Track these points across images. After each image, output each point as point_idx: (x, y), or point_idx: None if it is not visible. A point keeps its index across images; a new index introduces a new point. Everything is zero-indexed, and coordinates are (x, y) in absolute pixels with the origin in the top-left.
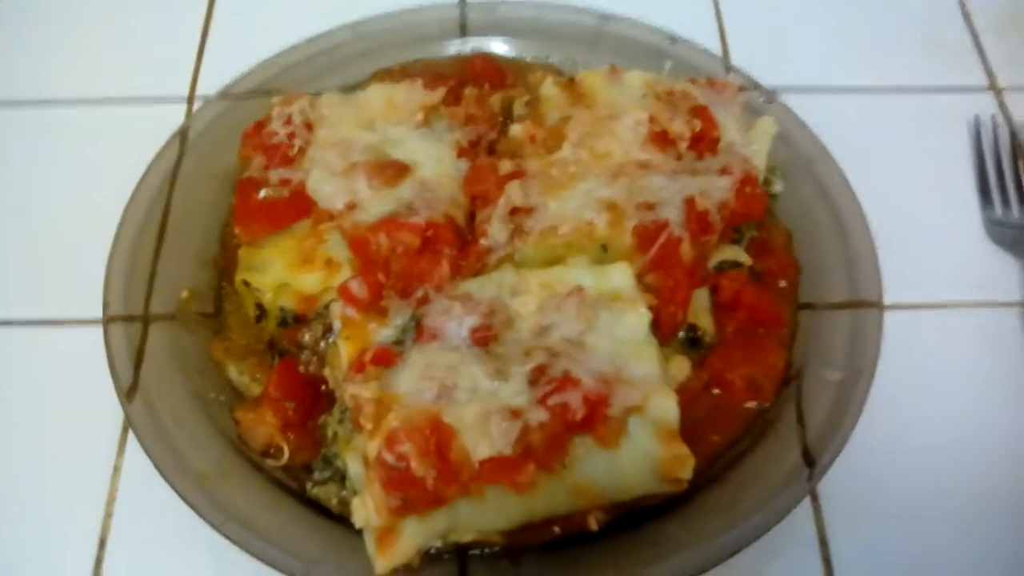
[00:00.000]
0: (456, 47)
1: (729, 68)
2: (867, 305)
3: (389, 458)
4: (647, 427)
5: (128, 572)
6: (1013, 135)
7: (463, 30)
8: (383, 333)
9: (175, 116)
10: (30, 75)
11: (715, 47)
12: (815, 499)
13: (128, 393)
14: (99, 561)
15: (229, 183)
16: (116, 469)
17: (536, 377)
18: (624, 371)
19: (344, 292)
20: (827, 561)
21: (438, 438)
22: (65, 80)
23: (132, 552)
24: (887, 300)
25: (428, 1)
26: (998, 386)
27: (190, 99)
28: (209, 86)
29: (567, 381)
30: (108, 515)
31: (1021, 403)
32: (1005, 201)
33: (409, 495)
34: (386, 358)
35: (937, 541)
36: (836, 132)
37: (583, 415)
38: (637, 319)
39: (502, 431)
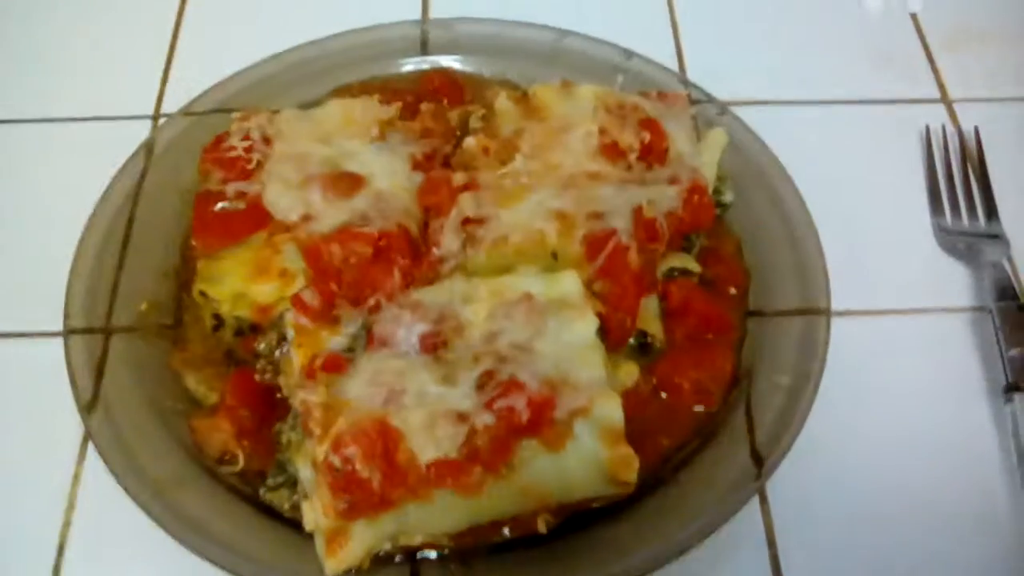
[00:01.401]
0: (416, 64)
1: (684, 82)
2: (815, 312)
3: (335, 461)
4: (592, 430)
5: None
6: (963, 145)
7: (424, 47)
8: (335, 341)
9: (140, 134)
10: None
11: (672, 62)
12: (764, 501)
13: (88, 406)
14: (57, 568)
15: (191, 198)
16: (75, 477)
17: (484, 382)
18: (570, 375)
19: (296, 301)
20: (775, 560)
21: (385, 441)
22: (30, 98)
23: (90, 559)
24: (837, 307)
25: (389, 19)
26: (945, 390)
27: (155, 117)
28: (174, 104)
29: (513, 385)
30: (67, 523)
31: (967, 406)
32: (955, 209)
33: (356, 498)
34: (336, 365)
35: (884, 542)
36: (789, 144)
37: (528, 418)
38: (584, 325)
39: (448, 434)
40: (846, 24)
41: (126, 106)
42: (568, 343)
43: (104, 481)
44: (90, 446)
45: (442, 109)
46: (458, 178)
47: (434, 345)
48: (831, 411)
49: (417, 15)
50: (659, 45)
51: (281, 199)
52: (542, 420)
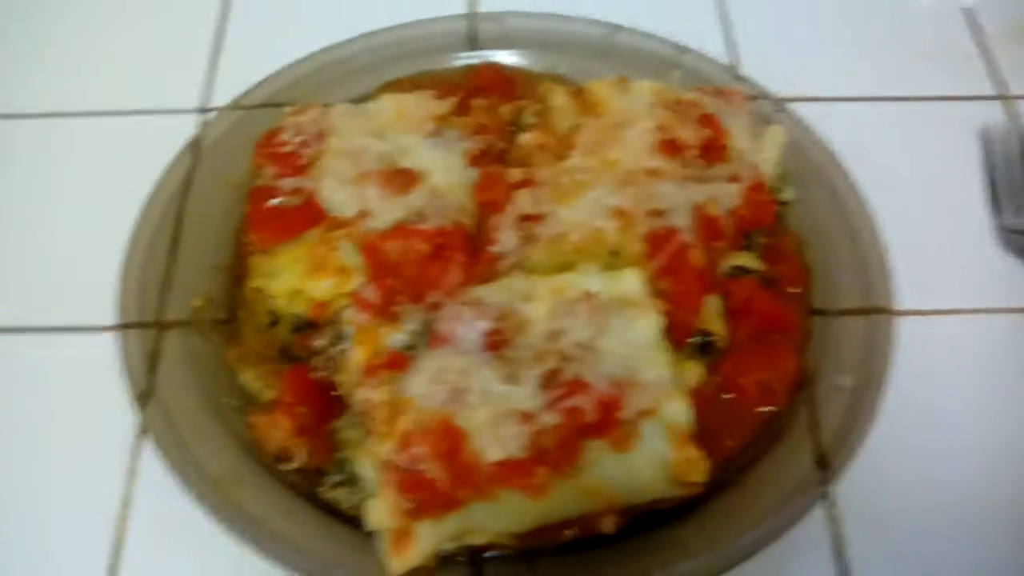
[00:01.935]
0: (465, 59)
1: (738, 78)
2: (879, 311)
3: (402, 461)
4: (660, 431)
5: (143, 574)
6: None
7: (473, 42)
8: (395, 338)
9: (187, 127)
10: (45, 87)
11: (724, 58)
12: (830, 502)
13: (143, 398)
14: (115, 564)
15: (241, 192)
16: (131, 473)
17: (547, 381)
18: (636, 375)
19: (357, 298)
20: (842, 565)
21: (450, 441)
22: (78, 92)
23: (147, 555)
24: (899, 306)
25: (437, 13)
26: (1010, 391)
27: (202, 111)
28: (221, 98)
29: (579, 385)
30: (123, 518)
31: None
32: (1016, 208)
33: (422, 497)
34: (398, 362)
35: (952, 546)
36: (845, 141)
37: (595, 418)
38: (648, 324)
39: (513, 434)
40: (897, 19)
41: (173, 100)
42: (632, 342)
43: (160, 477)
44: (145, 444)
45: (494, 104)
46: (514, 174)
47: (496, 343)
48: (898, 412)
49: (465, 9)
50: (710, 40)
51: (336, 195)
52: (609, 420)
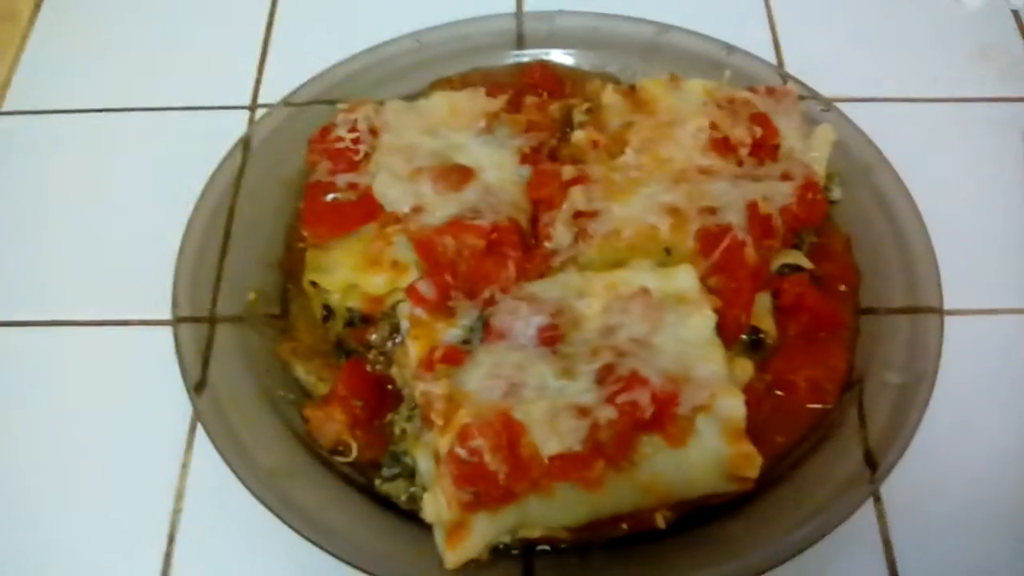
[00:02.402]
0: (515, 57)
1: (785, 77)
2: (928, 310)
3: (461, 453)
4: (714, 426)
5: (197, 566)
6: None
7: (520, 41)
8: (451, 333)
9: (238, 124)
10: (95, 83)
11: (769, 58)
12: (878, 501)
13: (197, 388)
14: (168, 556)
15: (292, 188)
16: (184, 466)
17: (603, 376)
18: (691, 371)
19: (412, 293)
20: (891, 563)
21: (509, 433)
22: (128, 88)
23: (201, 547)
24: (948, 305)
25: (485, 11)
26: None
27: (252, 107)
28: (270, 95)
29: (635, 380)
30: (177, 511)
31: None
32: None
33: (480, 490)
34: (455, 357)
35: (999, 546)
36: (890, 141)
37: (652, 413)
38: (702, 321)
39: (571, 428)
40: (943, 20)
41: (223, 96)
42: (686, 338)
43: (213, 471)
44: (198, 436)
45: (545, 102)
46: (568, 171)
47: (552, 338)
48: (948, 411)
49: (512, 8)
50: (756, 40)
51: (390, 190)
52: (665, 415)
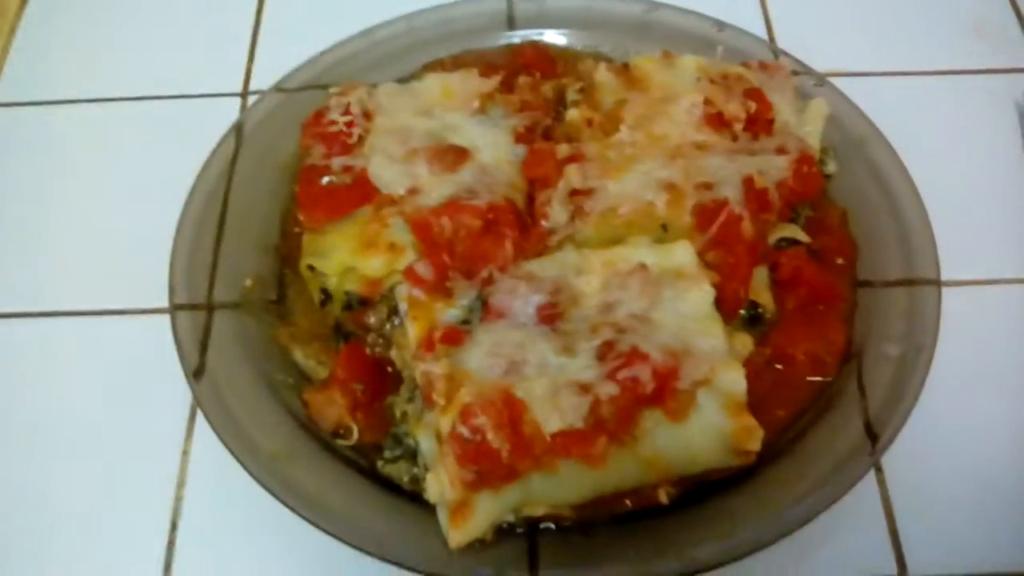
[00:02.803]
0: (507, 38)
1: (777, 53)
2: (925, 282)
3: (464, 431)
4: (715, 400)
5: (200, 552)
6: None
7: (511, 22)
8: (449, 313)
9: (230, 110)
10: (86, 73)
11: (760, 33)
12: (880, 472)
13: (195, 374)
14: (171, 543)
15: (287, 173)
16: (185, 453)
17: (604, 352)
18: (691, 345)
19: (410, 274)
20: (893, 532)
21: (510, 411)
22: (120, 77)
23: (203, 533)
24: (945, 277)
25: None
26: None
27: (244, 94)
28: (262, 81)
29: (636, 355)
30: (178, 498)
31: None
32: None
33: (483, 468)
34: (455, 337)
35: (999, 513)
36: (883, 115)
37: (653, 388)
38: (701, 295)
39: (572, 405)
40: None
41: (215, 83)
42: (685, 313)
43: (213, 457)
44: (198, 423)
45: (537, 82)
46: (563, 150)
47: (551, 316)
48: (947, 381)
49: None
50: (746, 16)
51: (385, 172)
52: (666, 390)
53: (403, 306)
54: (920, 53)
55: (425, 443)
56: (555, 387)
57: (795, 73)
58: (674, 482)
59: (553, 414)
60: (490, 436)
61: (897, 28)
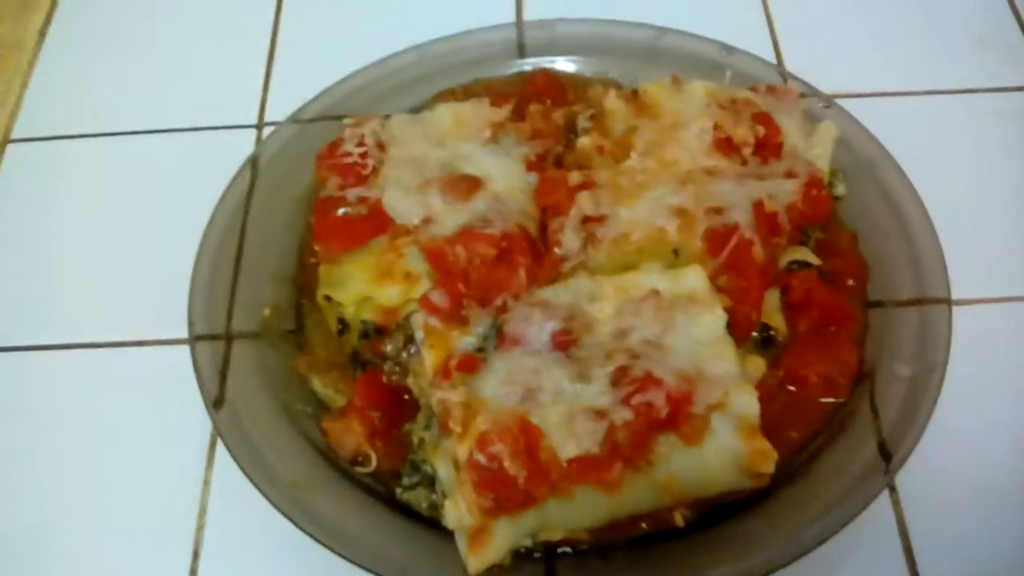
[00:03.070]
0: (518, 66)
1: (785, 76)
2: (936, 301)
3: (481, 459)
4: (729, 423)
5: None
6: None
7: (521, 50)
8: (465, 341)
9: (245, 142)
10: (103, 108)
11: (768, 56)
12: (894, 491)
13: (215, 404)
14: (194, 572)
15: (302, 205)
16: (206, 482)
17: (618, 378)
18: (704, 370)
19: (426, 303)
20: (908, 552)
21: (527, 438)
22: (136, 111)
23: (225, 562)
24: (956, 296)
25: (483, 22)
26: None
27: (259, 125)
28: (276, 112)
29: (650, 380)
30: (200, 527)
31: None
32: None
33: (501, 495)
34: (470, 364)
35: (1019, 531)
36: (892, 135)
37: (667, 413)
38: (713, 320)
39: (588, 431)
40: (939, 12)
41: (230, 116)
42: (698, 338)
43: (234, 486)
44: (218, 452)
45: (548, 110)
46: (574, 177)
47: (565, 343)
48: (960, 400)
49: (510, 18)
50: (753, 40)
51: (400, 203)
52: (680, 415)
53: (419, 334)
54: (926, 72)
55: (443, 470)
56: (570, 413)
57: (803, 95)
58: (690, 505)
59: (569, 440)
60: (507, 463)
61: (904, 47)
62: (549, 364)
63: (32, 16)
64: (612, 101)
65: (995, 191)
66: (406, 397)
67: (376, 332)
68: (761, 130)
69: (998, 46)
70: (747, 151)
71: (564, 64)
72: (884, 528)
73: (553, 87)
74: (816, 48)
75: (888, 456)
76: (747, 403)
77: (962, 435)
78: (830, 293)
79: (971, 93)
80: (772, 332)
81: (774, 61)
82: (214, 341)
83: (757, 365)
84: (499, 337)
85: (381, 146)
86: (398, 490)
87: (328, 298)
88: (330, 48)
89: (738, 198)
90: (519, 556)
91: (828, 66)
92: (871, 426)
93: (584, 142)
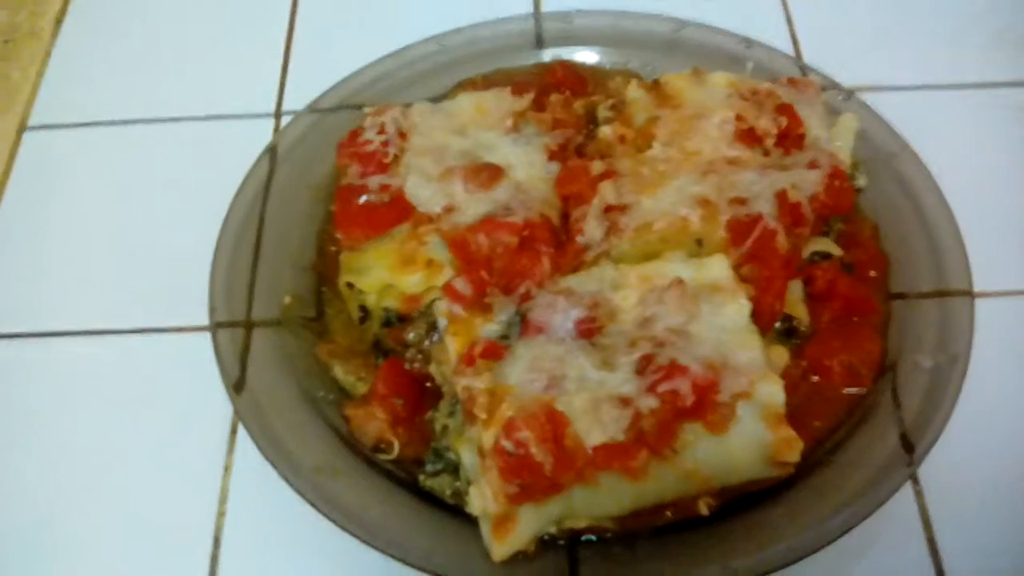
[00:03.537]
0: (537, 57)
1: (805, 69)
2: (958, 293)
3: (507, 445)
4: (755, 412)
5: (243, 567)
6: None
7: (540, 41)
8: (488, 328)
9: (264, 131)
10: (120, 96)
11: (787, 49)
12: (916, 483)
13: (236, 388)
14: (215, 558)
15: (321, 193)
16: (226, 469)
17: (643, 366)
18: (729, 359)
19: (449, 290)
20: (931, 543)
21: (553, 425)
22: (153, 99)
23: (246, 548)
24: (978, 288)
25: (501, 13)
26: None
27: (277, 114)
28: (295, 101)
29: (675, 368)
30: (221, 513)
31: None
32: None
33: (526, 482)
34: (494, 352)
35: None
36: (911, 128)
37: (693, 401)
38: (738, 309)
39: (613, 418)
40: (958, 6)
41: (248, 105)
42: (722, 327)
43: (254, 472)
44: (239, 438)
45: (568, 100)
46: (596, 167)
47: (589, 331)
48: (982, 391)
49: (528, 9)
50: (773, 33)
51: (422, 191)
52: (706, 403)
53: (442, 322)
54: (945, 66)
55: (467, 457)
56: (596, 401)
57: (823, 88)
58: (714, 494)
59: (595, 427)
60: (533, 450)
61: (922, 41)
62: (574, 352)
63: (49, 4)
64: (634, 91)
65: (1015, 184)
66: (428, 385)
67: (398, 320)
68: (784, 121)
69: (1017, 40)
70: (769, 142)
71: (583, 55)
72: (907, 519)
73: (573, 78)
74: (834, 42)
75: (910, 447)
76: (773, 392)
77: (985, 427)
78: (853, 284)
79: (989, 87)
80: (795, 323)
81: (793, 55)
82: (235, 329)
83: (780, 355)
84: (523, 325)
85: (402, 134)
86: (421, 477)
87: (350, 285)
88: (348, 38)
89: (761, 188)
90: (543, 544)
91: (846, 60)
92: (893, 417)
93: (606, 131)
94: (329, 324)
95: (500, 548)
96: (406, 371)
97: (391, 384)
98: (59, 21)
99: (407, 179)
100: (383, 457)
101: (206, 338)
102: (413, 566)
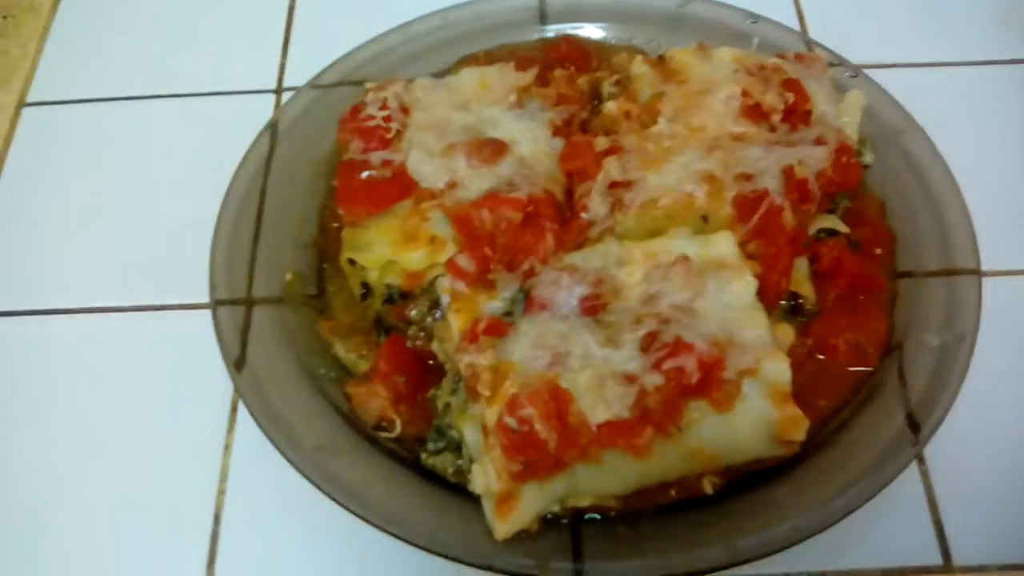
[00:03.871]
0: (541, 32)
1: (811, 45)
2: (965, 272)
3: (511, 422)
4: (760, 390)
5: (244, 545)
6: None
7: (543, 16)
8: (492, 305)
9: (265, 107)
10: (119, 71)
11: (793, 25)
12: (922, 462)
13: (237, 365)
14: (215, 536)
15: (323, 169)
16: (227, 447)
17: (648, 343)
18: (735, 336)
19: (452, 267)
20: (937, 522)
21: (557, 402)
22: (153, 75)
23: (246, 526)
24: (985, 267)
25: None
26: None
27: (278, 90)
28: (296, 77)
29: (681, 345)
30: (221, 492)
31: None
32: None
33: (530, 459)
34: (498, 328)
35: None
36: (917, 105)
37: (698, 378)
38: (744, 286)
39: (618, 395)
40: None
41: (249, 81)
42: (728, 304)
43: (255, 450)
44: (239, 417)
45: (573, 76)
46: (601, 142)
47: (594, 308)
48: (989, 371)
49: None
50: (779, 8)
51: (424, 166)
52: (711, 380)
53: (445, 299)
54: (949, 44)
55: (470, 435)
56: (600, 378)
57: (830, 65)
58: (719, 472)
59: (599, 404)
60: (538, 427)
61: (928, 19)
62: (578, 328)
63: None
64: (639, 66)
65: (1023, 162)
66: (430, 362)
67: (400, 296)
68: (790, 97)
69: (1020, 15)
70: (776, 118)
71: (588, 30)
72: (913, 499)
73: (577, 53)
74: (840, 19)
75: (916, 427)
76: (779, 370)
77: (991, 406)
78: (859, 261)
79: (996, 64)
80: (801, 300)
81: (799, 30)
82: (235, 306)
83: (786, 333)
84: (527, 301)
85: (404, 110)
86: (423, 455)
87: (352, 262)
88: (349, 13)
89: (767, 164)
90: (546, 522)
91: (852, 36)
92: (899, 396)
93: (611, 107)
94: (330, 301)
95: (503, 526)
96: (408, 348)
97: (393, 362)
98: None
99: (409, 154)
100: (385, 435)
101: (206, 316)
102: (415, 545)
